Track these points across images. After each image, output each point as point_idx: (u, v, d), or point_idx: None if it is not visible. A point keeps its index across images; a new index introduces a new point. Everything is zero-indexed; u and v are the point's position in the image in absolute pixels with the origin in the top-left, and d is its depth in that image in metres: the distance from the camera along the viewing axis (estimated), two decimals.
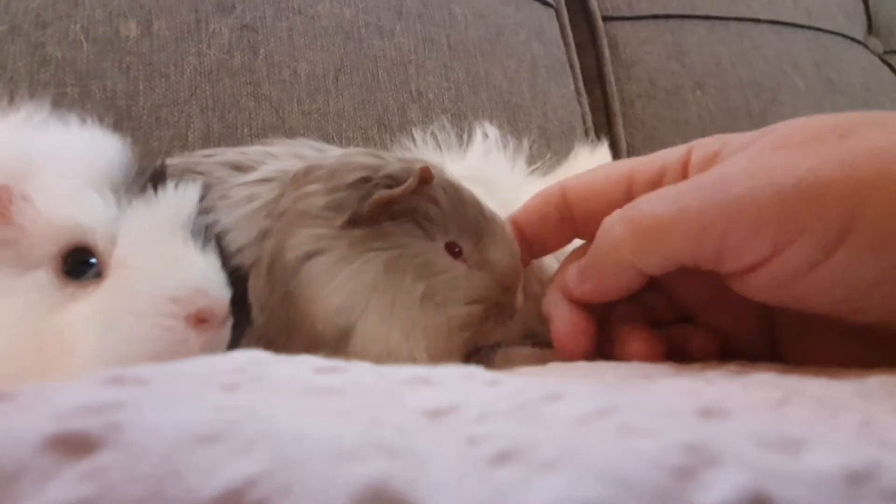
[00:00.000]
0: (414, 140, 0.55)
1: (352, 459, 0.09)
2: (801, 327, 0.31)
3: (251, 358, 0.13)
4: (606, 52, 0.96)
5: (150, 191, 0.26)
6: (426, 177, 0.32)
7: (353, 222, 0.30)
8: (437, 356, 0.31)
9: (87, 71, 0.58)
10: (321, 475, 0.09)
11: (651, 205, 0.29)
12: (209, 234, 0.27)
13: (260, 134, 0.62)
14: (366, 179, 0.31)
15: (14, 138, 0.27)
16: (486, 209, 0.35)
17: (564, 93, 0.88)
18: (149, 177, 0.27)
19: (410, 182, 0.31)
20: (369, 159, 0.33)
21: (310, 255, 0.30)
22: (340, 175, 0.31)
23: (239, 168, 0.33)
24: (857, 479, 0.09)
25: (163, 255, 0.25)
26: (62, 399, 0.10)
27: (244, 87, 0.63)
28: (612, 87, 0.96)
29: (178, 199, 0.26)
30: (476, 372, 0.15)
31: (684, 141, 0.34)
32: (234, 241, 0.29)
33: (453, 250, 0.33)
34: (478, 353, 0.36)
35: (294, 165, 0.33)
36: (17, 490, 0.09)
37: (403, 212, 0.32)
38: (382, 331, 0.30)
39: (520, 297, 0.36)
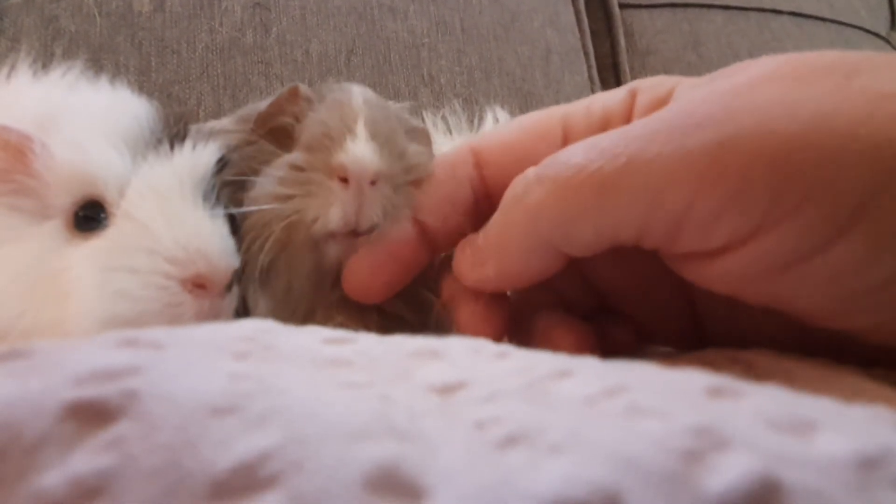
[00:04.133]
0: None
1: (363, 440, 0.09)
2: (728, 315, 0.25)
3: (259, 327, 0.13)
4: (622, 41, 0.95)
5: (167, 149, 0.26)
6: (289, 95, 0.29)
7: (242, 142, 0.30)
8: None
9: (100, 45, 0.58)
10: (333, 453, 0.09)
11: (583, 157, 0.20)
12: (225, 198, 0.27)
13: None
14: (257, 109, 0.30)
15: (44, 94, 0.28)
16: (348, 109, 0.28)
17: (578, 81, 0.87)
18: (169, 136, 0.27)
19: (272, 100, 0.29)
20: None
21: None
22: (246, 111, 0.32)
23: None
24: (870, 465, 0.09)
25: (167, 213, 0.24)
26: (78, 362, 0.10)
27: (255, 65, 0.62)
28: (627, 77, 0.94)
29: (193, 159, 0.26)
30: (483, 345, 0.14)
31: None
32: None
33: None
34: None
35: None
36: (40, 459, 0.09)
37: (272, 132, 0.29)
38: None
39: (352, 152, 0.26)
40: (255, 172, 0.28)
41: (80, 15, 0.59)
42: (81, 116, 0.26)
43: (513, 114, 0.72)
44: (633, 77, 1.02)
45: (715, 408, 0.10)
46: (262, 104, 0.30)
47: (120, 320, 0.23)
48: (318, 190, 0.26)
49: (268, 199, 0.26)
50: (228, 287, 0.25)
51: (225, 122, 0.32)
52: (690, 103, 0.20)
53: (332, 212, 0.26)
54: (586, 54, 0.90)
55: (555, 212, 0.21)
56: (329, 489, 0.09)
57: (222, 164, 0.28)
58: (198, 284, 0.24)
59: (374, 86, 0.70)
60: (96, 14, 0.59)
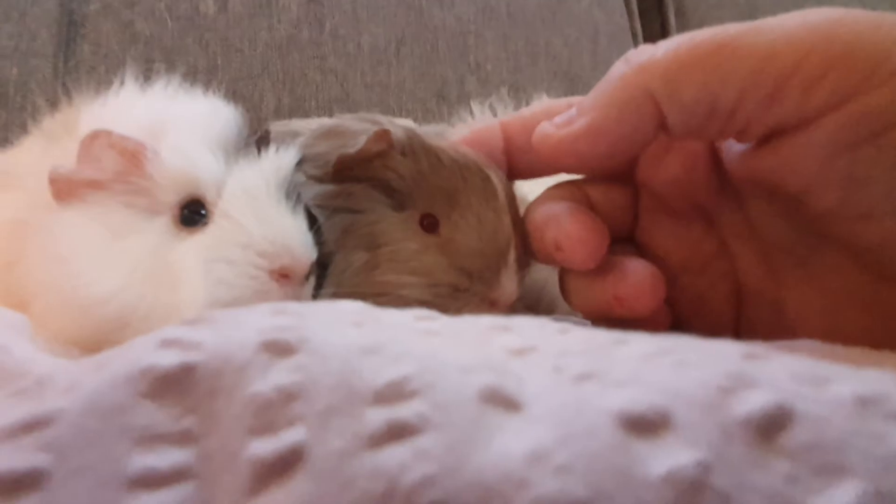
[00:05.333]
0: (472, 112, 0.56)
1: (472, 372, 0.13)
2: (774, 308, 0.26)
3: (360, 306, 0.16)
4: (672, 19, 0.92)
5: (254, 153, 0.30)
6: (378, 140, 0.30)
7: (322, 178, 0.31)
8: None
9: (172, 47, 0.63)
10: (453, 378, 0.13)
11: (707, 31, 0.22)
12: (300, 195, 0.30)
13: (326, 107, 0.65)
14: (342, 146, 0.31)
15: (152, 105, 0.32)
16: (472, 177, 0.30)
17: None
18: (254, 140, 0.31)
19: (360, 146, 0.30)
20: (356, 124, 0.33)
21: (310, 200, 0.31)
22: (329, 137, 0.33)
23: (297, 135, 0.35)
24: (867, 403, 0.11)
25: (257, 212, 0.28)
26: (255, 320, 0.14)
27: (311, 60, 0.66)
28: None
29: (276, 162, 0.29)
30: (547, 322, 0.17)
31: None
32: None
33: (428, 222, 0.30)
34: None
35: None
36: (247, 376, 0.13)
37: (367, 177, 0.31)
38: (330, 294, 0.30)
39: (505, 287, 0.30)
40: (341, 210, 0.30)
41: (153, 18, 0.63)
42: (184, 125, 0.30)
43: (559, 98, 0.72)
44: None
45: (749, 364, 0.13)
46: (342, 143, 0.31)
47: (220, 304, 0.26)
48: (471, 310, 0.29)
49: (416, 299, 0.29)
50: (307, 277, 0.29)
51: (299, 132, 0.33)
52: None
53: None
54: (634, 35, 0.88)
55: (666, 64, 0.23)
56: (456, 400, 0.12)
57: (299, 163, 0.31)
58: (283, 275, 0.27)
59: (422, 76, 0.72)
60: (167, 18, 0.63)
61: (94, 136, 0.28)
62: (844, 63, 0.21)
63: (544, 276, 0.37)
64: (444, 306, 0.29)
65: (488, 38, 0.75)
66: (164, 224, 0.28)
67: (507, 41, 0.76)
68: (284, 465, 0.11)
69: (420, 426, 0.12)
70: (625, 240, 0.30)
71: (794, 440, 0.11)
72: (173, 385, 0.13)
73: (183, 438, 0.12)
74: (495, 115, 0.55)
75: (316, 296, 0.29)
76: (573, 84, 0.79)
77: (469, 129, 0.32)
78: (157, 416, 0.12)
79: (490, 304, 0.31)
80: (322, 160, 0.31)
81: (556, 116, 0.26)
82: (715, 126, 0.23)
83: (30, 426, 0.12)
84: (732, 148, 0.26)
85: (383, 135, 0.30)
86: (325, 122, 0.35)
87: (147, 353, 0.13)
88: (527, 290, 0.34)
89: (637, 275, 0.26)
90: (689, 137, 0.25)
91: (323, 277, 0.29)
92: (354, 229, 0.30)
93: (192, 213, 0.28)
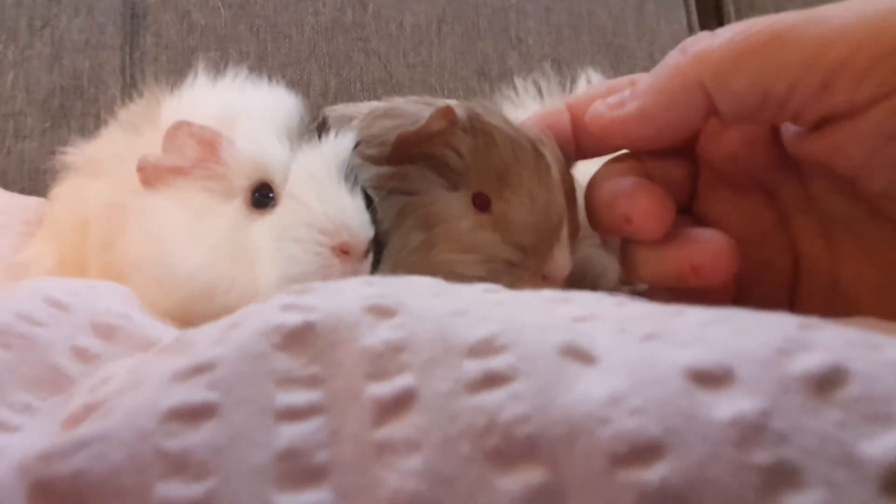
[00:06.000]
0: (515, 89, 0.56)
1: (549, 330, 0.15)
2: (831, 285, 0.27)
3: (434, 280, 0.19)
4: None
5: (315, 138, 0.32)
6: (441, 118, 0.30)
7: (379, 160, 0.32)
8: None
9: (226, 35, 0.66)
10: (534, 336, 0.15)
11: (762, 20, 0.23)
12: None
13: (370, 89, 0.67)
14: (400, 125, 0.32)
15: (224, 95, 0.35)
16: (525, 155, 0.31)
17: (675, 29, 0.83)
18: (314, 126, 0.34)
19: (422, 124, 0.30)
20: (411, 106, 0.34)
21: (366, 182, 0.32)
22: (385, 118, 0.33)
23: (350, 119, 0.36)
24: None
25: (320, 193, 0.30)
26: (351, 289, 0.17)
27: (355, 42, 0.67)
28: (732, 20, 0.88)
29: (336, 147, 0.32)
30: (602, 296, 0.19)
31: None
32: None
33: (480, 201, 0.31)
34: None
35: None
36: (358, 332, 0.15)
37: (424, 156, 0.31)
38: (388, 272, 0.31)
39: (558, 262, 0.31)
40: (396, 192, 0.31)
41: (208, 8, 0.67)
42: (253, 114, 0.32)
43: (604, 72, 0.71)
44: (740, 19, 0.93)
45: (804, 331, 0.14)
46: (401, 122, 0.32)
47: (290, 279, 0.29)
48: (524, 284, 0.31)
49: (471, 276, 0.30)
50: (366, 253, 0.31)
51: (354, 116, 0.34)
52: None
53: None
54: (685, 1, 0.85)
55: (721, 55, 0.23)
56: (539, 353, 0.14)
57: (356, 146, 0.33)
58: (344, 251, 0.30)
59: (463, 54, 0.72)
60: (220, 6, 0.66)
61: (177, 127, 0.31)
62: (893, 56, 0.21)
63: (588, 253, 0.38)
64: (499, 281, 0.29)
65: (529, 11, 0.74)
66: (237, 206, 0.31)
67: (548, 14, 0.75)
68: (400, 403, 0.14)
69: (511, 375, 0.14)
70: (683, 211, 0.30)
71: (846, 394, 0.12)
72: (299, 339, 0.15)
73: (311, 381, 0.15)
74: (538, 90, 0.55)
75: (374, 273, 0.31)
76: (618, 56, 0.77)
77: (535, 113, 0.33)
78: (290, 363, 0.15)
79: (543, 279, 0.32)
80: (379, 140, 0.32)
81: (611, 97, 0.28)
82: (766, 113, 0.24)
83: (196, 370, 0.15)
84: (789, 128, 0.27)
85: (447, 111, 0.31)
86: (379, 105, 0.36)
87: (273, 314, 0.16)
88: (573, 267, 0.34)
89: (715, 244, 0.27)
90: (740, 122, 0.26)
91: (380, 255, 0.31)
92: (410, 210, 0.31)
93: (262, 197, 0.31)
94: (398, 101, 0.36)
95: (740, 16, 0.87)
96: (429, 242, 0.31)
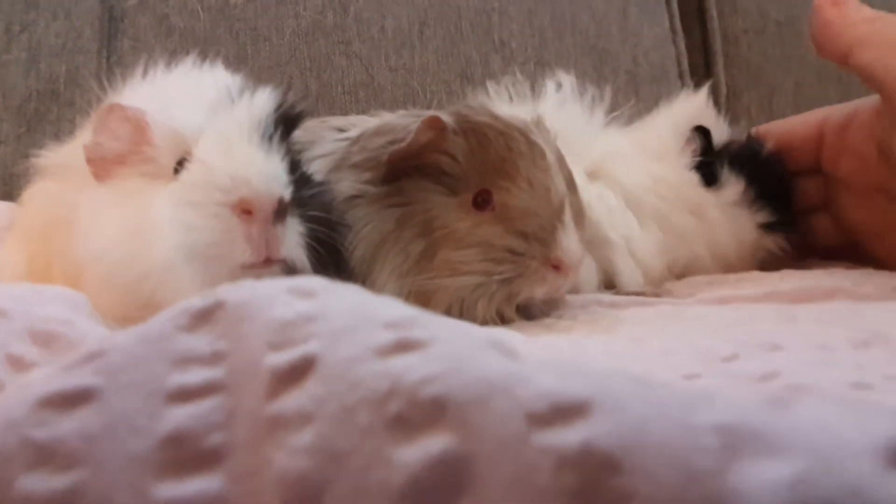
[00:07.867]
0: (488, 93, 0.56)
1: (474, 330, 0.15)
2: None
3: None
4: None
5: (233, 103, 0.31)
6: (428, 128, 0.30)
7: (375, 181, 0.32)
8: (452, 315, 0.31)
9: (205, 38, 0.65)
10: (461, 328, 0.14)
11: None
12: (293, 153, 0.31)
13: (351, 92, 0.66)
14: (392, 142, 0.32)
15: (162, 82, 0.35)
16: (518, 145, 0.31)
17: (658, 33, 0.83)
18: (238, 93, 0.32)
19: (411, 138, 0.30)
20: (402, 120, 0.34)
21: (351, 199, 0.32)
22: (377, 137, 0.34)
23: (340, 130, 0.37)
24: None
25: (224, 152, 0.28)
26: (276, 283, 0.16)
27: (337, 45, 0.67)
28: (714, 23, 0.88)
29: (251, 107, 0.30)
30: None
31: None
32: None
33: (481, 199, 0.31)
34: (531, 316, 0.33)
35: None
36: (273, 304, 0.14)
37: (419, 168, 0.31)
38: (389, 287, 0.31)
39: (564, 246, 0.31)
40: (393, 205, 0.31)
41: (186, 11, 0.66)
42: (173, 91, 0.32)
43: (586, 74, 0.71)
44: (723, 22, 0.94)
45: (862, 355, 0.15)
46: (392, 138, 0.32)
47: (185, 248, 0.27)
48: (532, 274, 0.31)
49: (475, 271, 0.30)
50: (279, 216, 0.28)
51: (342, 127, 0.35)
52: None
53: (540, 290, 0.32)
54: (668, 2, 0.85)
55: None
56: (459, 336, 0.14)
57: (280, 108, 0.31)
58: (245, 210, 0.27)
59: (445, 57, 0.72)
60: (199, 9, 0.66)
61: (108, 109, 0.30)
62: None
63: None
64: (503, 271, 0.30)
65: (512, 14, 0.74)
66: (164, 186, 0.30)
67: (531, 17, 0.75)
68: (297, 372, 0.13)
69: (429, 341, 0.13)
70: (821, 210, 0.48)
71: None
72: (208, 317, 0.14)
73: (213, 358, 0.14)
74: (510, 94, 0.54)
75: (368, 286, 0.30)
76: (601, 59, 0.78)
77: None
78: (193, 341, 0.14)
79: (555, 269, 0.32)
80: (373, 163, 0.32)
81: None
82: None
83: (88, 358, 0.14)
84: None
85: (432, 121, 0.31)
86: (370, 122, 0.37)
87: (188, 301, 0.15)
88: None
89: None
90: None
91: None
92: (408, 218, 0.32)
93: (182, 169, 0.30)
94: (388, 117, 0.37)
95: (723, 19, 0.88)
96: (431, 247, 0.31)
